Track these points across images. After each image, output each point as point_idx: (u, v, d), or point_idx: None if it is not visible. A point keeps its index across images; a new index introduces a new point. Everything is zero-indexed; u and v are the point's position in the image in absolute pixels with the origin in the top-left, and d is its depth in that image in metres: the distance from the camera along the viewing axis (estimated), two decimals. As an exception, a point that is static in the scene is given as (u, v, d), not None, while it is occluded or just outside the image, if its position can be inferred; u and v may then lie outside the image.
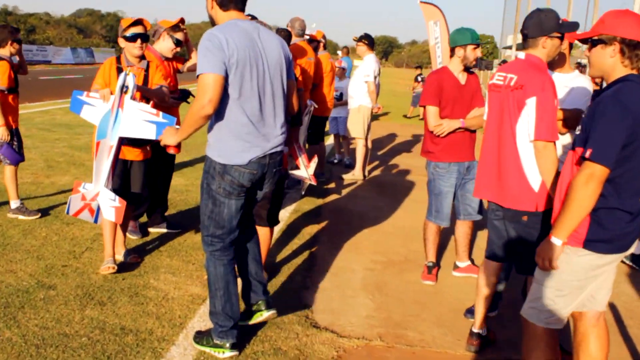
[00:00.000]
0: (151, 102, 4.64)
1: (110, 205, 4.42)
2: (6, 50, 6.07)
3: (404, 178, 9.91)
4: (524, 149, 3.73)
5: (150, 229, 6.00)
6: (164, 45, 5.54)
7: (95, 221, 4.63)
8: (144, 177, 5.04)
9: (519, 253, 3.92)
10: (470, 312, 4.61)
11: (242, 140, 3.54)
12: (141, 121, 4.38)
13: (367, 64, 9.37)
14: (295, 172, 6.60)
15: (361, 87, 9.40)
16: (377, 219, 7.25)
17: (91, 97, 4.62)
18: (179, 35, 5.53)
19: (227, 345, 3.77)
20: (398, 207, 7.93)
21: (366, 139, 9.52)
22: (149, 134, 4.37)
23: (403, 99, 26.02)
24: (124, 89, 4.40)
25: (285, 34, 6.83)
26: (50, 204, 6.75)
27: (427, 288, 5.22)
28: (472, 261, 5.65)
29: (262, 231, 4.67)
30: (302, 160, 6.26)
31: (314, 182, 5.69)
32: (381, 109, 9.79)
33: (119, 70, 4.74)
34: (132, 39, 4.84)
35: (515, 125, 3.74)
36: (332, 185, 8.98)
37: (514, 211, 3.82)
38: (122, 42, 4.92)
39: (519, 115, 3.72)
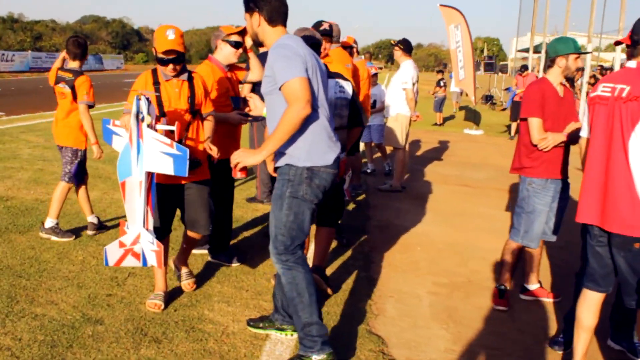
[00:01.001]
0: (176, 125, 3.94)
1: (150, 249, 3.95)
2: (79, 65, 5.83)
3: (441, 189, 9.47)
4: (638, 167, 3.31)
5: (194, 251, 5.57)
6: (225, 53, 5.11)
7: (144, 264, 4.08)
8: (206, 200, 4.52)
9: (629, 284, 3.50)
10: (556, 343, 4.21)
11: (325, 141, 3.58)
12: (158, 153, 3.77)
13: (404, 70, 8.93)
14: None
15: (399, 94, 8.96)
16: (425, 235, 6.82)
17: (117, 126, 4.17)
18: (235, 37, 5.08)
19: (329, 353, 3.64)
20: (443, 221, 7.49)
21: (404, 149, 9.08)
22: (166, 168, 3.75)
23: (422, 104, 25.58)
24: (139, 116, 3.83)
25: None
26: (81, 223, 6.34)
27: (500, 314, 4.79)
28: (540, 283, 5.21)
29: (327, 231, 4.89)
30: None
31: (347, 197, 5.40)
32: (420, 118, 9.34)
33: (157, 85, 4.28)
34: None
35: (627, 140, 3.33)
36: (371, 197, 8.56)
37: (623, 237, 3.40)
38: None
39: (633, 130, 3.31)
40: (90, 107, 5.76)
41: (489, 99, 29.78)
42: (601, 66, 20.65)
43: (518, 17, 30.68)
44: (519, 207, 4.85)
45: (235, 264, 5.32)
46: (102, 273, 4.94)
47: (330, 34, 5.74)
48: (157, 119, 3.98)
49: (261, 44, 3.73)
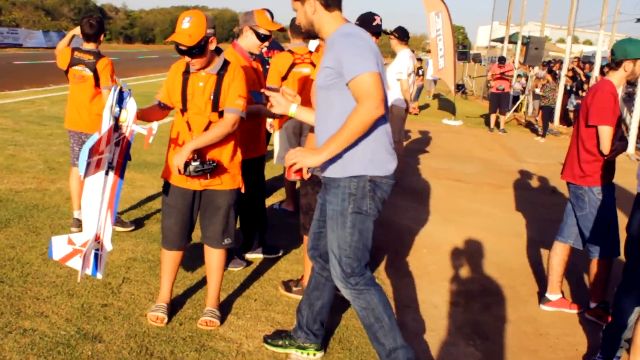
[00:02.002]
0: (148, 129, 3.43)
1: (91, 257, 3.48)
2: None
3: (434, 183, 9.15)
4: None
5: (248, 256, 5.19)
6: (249, 42, 4.64)
7: (94, 274, 3.57)
8: (224, 210, 3.95)
9: None
10: (595, 362, 3.92)
11: (387, 148, 3.20)
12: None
13: (399, 60, 8.53)
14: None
15: (393, 85, 8.57)
16: (429, 235, 6.50)
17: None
18: (265, 31, 4.61)
19: None
20: (443, 219, 7.17)
21: (400, 142, 8.71)
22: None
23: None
24: (114, 111, 3.37)
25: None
26: (62, 217, 5.83)
27: (527, 328, 4.49)
28: (563, 293, 4.92)
29: None
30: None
31: None
32: (417, 110, 8.97)
33: (185, 76, 3.80)
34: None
35: None
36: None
37: None
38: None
39: None
40: None
41: (460, 87, 29.63)
42: (578, 58, 20.55)
43: (493, 6, 30.56)
44: (596, 220, 4.49)
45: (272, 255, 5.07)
46: (92, 278, 4.45)
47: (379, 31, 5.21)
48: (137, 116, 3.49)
49: (314, 36, 3.29)
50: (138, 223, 5.81)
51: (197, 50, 3.58)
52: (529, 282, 5.42)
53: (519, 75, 20.35)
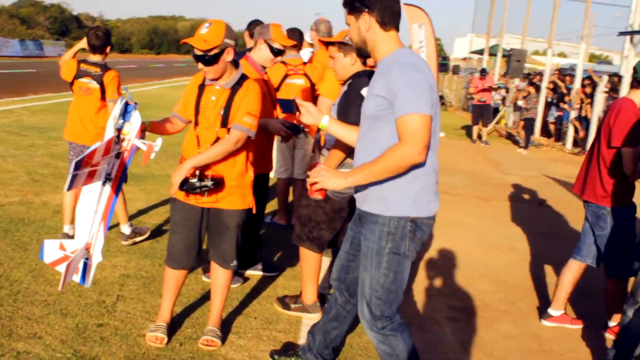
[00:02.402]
0: (148, 146, 3.37)
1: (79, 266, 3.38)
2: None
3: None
4: None
5: (247, 272, 5.04)
6: (262, 55, 4.54)
7: (82, 282, 3.45)
8: (232, 230, 3.79)
9: None
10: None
11: (432, 188, 2.97)
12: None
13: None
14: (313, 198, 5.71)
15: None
16: (421, 250, 6.42)
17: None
18: (279, 45, 4.51)
19: None
20: (433, 233, 7.09)
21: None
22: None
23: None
24: (118, 123, 3.30)
25: (299, 36, 5.97)
26: (50, 231, 5.65)
27: (530, 344, 4.44)
28: (565, 309, 4.86)
29: None
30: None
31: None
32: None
33: (201, 88, 3.66)
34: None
35: None
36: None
37: None
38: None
39: None
40: None
41: (440, 99, 29.75)
42: (558, 71, 20.73)
43: (472, 18, 30.84)
44: (616, 240, 4.43)
45: (237, 284, 4.81)
46: (86, 296, 4.32)
47: None
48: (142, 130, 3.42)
49: (367, 55, 3.09)
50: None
51: (211, 57, 3.45)
52: (527, 297, 5.37)
53: (499, 87, 20.47)
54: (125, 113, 3.33)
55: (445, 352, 4.16)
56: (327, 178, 2.88)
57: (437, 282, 5.51)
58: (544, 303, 5.10)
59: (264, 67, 4.60)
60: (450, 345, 4.29)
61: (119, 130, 3.35)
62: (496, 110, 20.35)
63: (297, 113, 3.30)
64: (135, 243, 5.47)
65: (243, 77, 3.65)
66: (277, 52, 4.48)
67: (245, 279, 4.92)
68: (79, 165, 3.03)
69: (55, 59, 44.80)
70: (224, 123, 3.59)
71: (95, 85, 5.24)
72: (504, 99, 20.67)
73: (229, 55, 3.52)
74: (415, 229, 2.93)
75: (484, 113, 16.65)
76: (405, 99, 2.73)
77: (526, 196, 9.94)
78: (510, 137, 18.56)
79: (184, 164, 3.53)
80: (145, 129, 3.61)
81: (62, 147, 9.81)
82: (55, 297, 4.27)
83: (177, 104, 3.81)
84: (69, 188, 3.07)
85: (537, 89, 17.35)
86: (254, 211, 3.87)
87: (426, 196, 2.92)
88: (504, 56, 25.52)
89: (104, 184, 3.38)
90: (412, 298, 5.04)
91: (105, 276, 4.70)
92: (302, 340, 4.00)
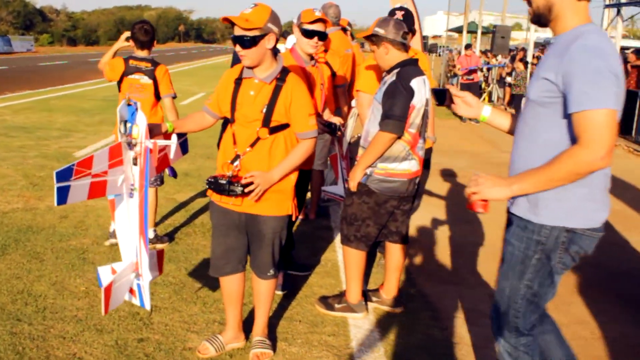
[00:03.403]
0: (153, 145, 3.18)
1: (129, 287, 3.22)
2: None
3: (431, 179, 8.90)
4: None
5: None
6: (300, 43, 4.26)
7: (142, 304, 3.26)
8: (268, 238, 3.48)
9: None
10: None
11: (601, 195, 2.52)
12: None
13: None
14: (329, 189, 5.50)
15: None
16: (448, 237, 6.24)
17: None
18: (315, 25, 4.19)
19: None
20: (455, 218, 6.92)
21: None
22: None
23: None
24: (127, 127, 3.08)
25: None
26: (62, 238, 5.36)
27: (583, 332, 4.28)
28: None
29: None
30: (342, 175, 5.19)
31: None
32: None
33: (238, 82, 3.38)
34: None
35: None
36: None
37: None
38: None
39: None
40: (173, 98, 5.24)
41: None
42: (543, 46, 20.69)
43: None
44: None
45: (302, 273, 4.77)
46: (117, 309, 4.05)
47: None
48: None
49: (544, 24, 2.57)
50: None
51: (250, 39, 3.14)
52: (564, 281, 5.20)
53: (489, 68, 20.39)
54: (130, 115, 3.08)
55: (501, 347, 3.98)
56: (488, 187, 2.49)
57: (471, 270, 5.34)
58: (579, 288, 4.95)
59: (312, 58, 4.34)
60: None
61: (128, 135, 3.09)
62: (480, 88, 20.30)
63: (452, 104, 2.98)
64: (155, 248, 5.22)
65: (285, 71, 3.35)
66: (307, 33, 4.18)
67: (286, 288, 4.60)
68: (66, 176, 2.76)
69: (25, 54, 43.99)
70: (266, 122, 3.28)
71: (147, 80, 5.03)
72: (486, 78, 20.60)
73: (269, 42, 3.22)
74: (571, 241, 2.53)
75: (472, 91, 16.51)
76: (583, 92, 2.28)
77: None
78: (497, 114, 18.45)
79: (258, 179, 3.23)
80: (167, 131, 3.37)
81: (53, 147, 9.48)
82: (85, 311, 4.01)
83: (208, 98, 3.54)
84: (60, 202, 2.78)
85: (526, 65, 17.28)
86: (293, 218, 3.57)
87: (591, 204, 2.50)
88: (483, 33, 25.44)
89: (131, 195, 3.14)
90: (451, 289, 4.86)
91: (133, 285, 4.44)
92: (353, 342, 3.81)
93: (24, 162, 8.31)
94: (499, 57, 20.00)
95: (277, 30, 3.22)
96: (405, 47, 3.92)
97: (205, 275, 4.65)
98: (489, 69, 20.45)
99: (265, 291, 3.60)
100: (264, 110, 3.27)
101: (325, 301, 4.29)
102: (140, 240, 3.13)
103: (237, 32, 3.18)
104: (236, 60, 6.26)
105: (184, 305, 4.18)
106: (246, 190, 3.20)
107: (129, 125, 3.09)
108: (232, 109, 3.35)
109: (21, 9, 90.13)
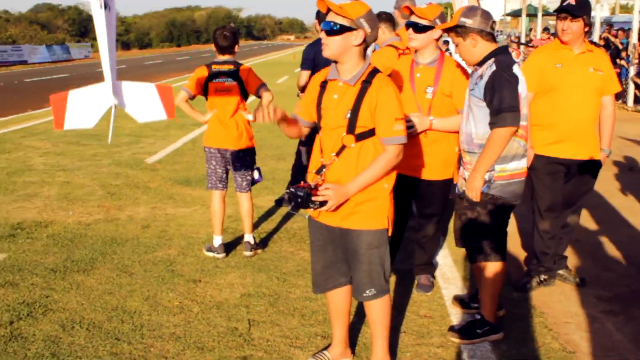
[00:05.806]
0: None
1: None
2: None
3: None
4: None
5: None
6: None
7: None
8: (368, 259, 3.19)
9: None
10: None
11: None
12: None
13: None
14: None
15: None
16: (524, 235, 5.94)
17: None
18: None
19: None
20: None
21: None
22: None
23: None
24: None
25: (387, 17, 5.41)
26: (148, 250, 5.31)
27: None
28: None
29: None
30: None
31: None
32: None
33: (323, 85, 3.18)
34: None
35: None
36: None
37: None
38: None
39: None
40: None
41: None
42: (609, 26, 19.81)
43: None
44: None
45: None
46: (215, 324, 3.96)
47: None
48: None
49: None
50: (229, 248, 5.28)
51: (336, 26, 2.94)
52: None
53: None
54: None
55: (621, 354, 3.71)
56: None
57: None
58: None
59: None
60: (622, 344, 3.83)
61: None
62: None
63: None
64: (256, 254, 5.19)
65: (374, 72, 3.08)
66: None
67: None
68: None
69: (83, 61, 45.04)
70: (351, 129, 3.03)
71: (232, 82, 5.00)
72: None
73: (356, 39, 2.97)
74: None
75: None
76: None
77: (613, 162, 9.35)
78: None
79: (331, 192, 3.02)
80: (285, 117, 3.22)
81: (125, 154, 9.53)
82: (182, 328, 3.93)
83: (297, 105, 3.38)
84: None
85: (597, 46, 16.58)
86: (389, 233, 3.23)
87: None
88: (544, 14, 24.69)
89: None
90: (550, 291, 4.58)
91: (226, 298, 4.35)
92: (464, 355, 3.61)
93: (98, 170, 8.37)
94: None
95: (368, 30, 2.99)
96: (494, 38, 3.66)
97: (298, 284, 4.54)
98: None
99: (371, 314, 3.33)
100: (348, 115, 3.03)
101: (462, 300, 4.25)
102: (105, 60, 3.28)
103: (328, 17, 3.00)
104: (306, 62, 6.10)
105: (282, 318, 4.05)
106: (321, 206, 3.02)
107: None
108: (318, 115, 3.17)
109: (76, 16, 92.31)
